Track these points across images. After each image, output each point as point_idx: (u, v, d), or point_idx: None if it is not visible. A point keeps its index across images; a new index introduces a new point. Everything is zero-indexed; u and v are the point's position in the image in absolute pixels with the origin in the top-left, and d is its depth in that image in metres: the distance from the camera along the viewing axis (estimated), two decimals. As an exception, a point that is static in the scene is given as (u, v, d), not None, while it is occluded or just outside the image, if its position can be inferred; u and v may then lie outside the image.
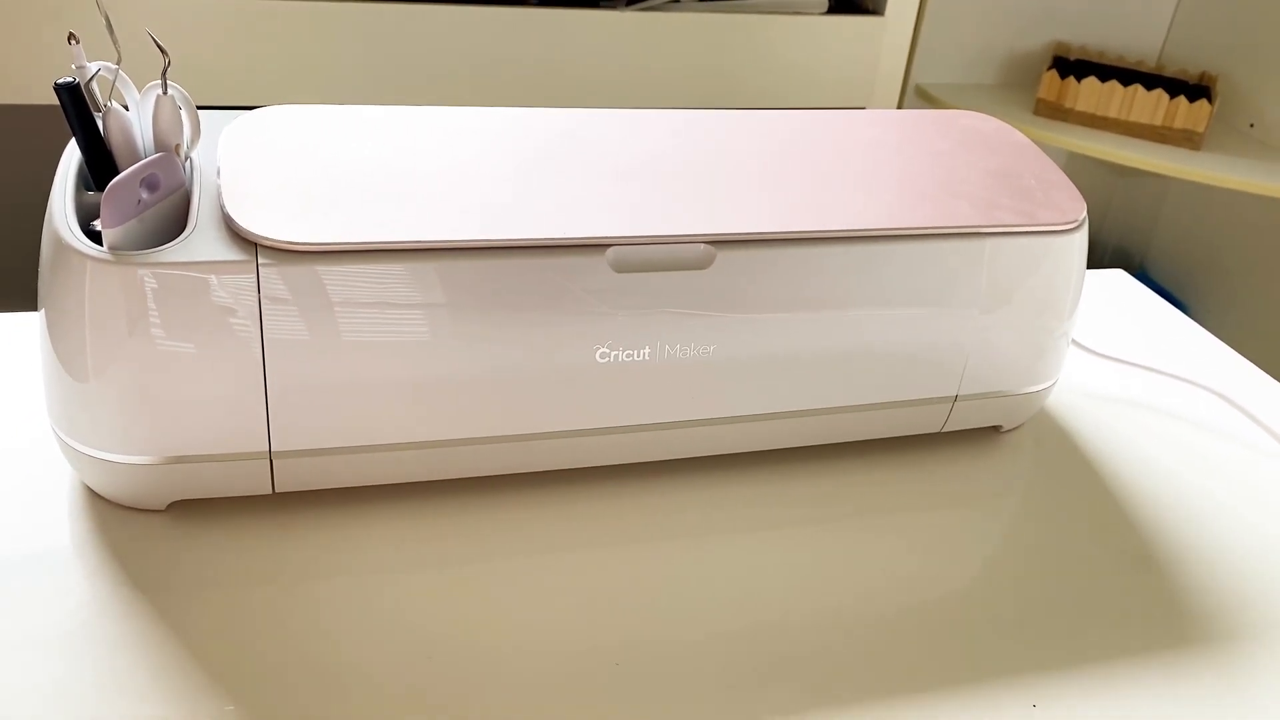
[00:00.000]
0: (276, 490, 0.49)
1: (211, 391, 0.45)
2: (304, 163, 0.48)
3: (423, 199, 0.47)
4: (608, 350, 0.49)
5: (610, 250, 0.48)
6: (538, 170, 0.51)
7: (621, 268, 0.48)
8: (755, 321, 0.51)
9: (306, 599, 0.46)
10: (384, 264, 0.45)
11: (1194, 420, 0.65)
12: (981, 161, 0.58)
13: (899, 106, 1.49)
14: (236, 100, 1.22)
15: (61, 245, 0.43)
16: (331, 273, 0.44)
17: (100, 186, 0.48)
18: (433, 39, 1.24)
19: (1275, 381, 0.70)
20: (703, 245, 0.49)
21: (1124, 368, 0.70)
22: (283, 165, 0.48)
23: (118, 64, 0.46)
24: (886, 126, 0.61)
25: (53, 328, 0.45)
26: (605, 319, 0.48)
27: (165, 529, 0.49)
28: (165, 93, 0.46)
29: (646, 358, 0.50)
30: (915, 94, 1.86)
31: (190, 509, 0.50)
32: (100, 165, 0.47)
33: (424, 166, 0.50)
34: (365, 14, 1.20)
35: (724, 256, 0.49)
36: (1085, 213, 0.56)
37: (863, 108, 1.45)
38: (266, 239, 0.44)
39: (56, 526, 0.48)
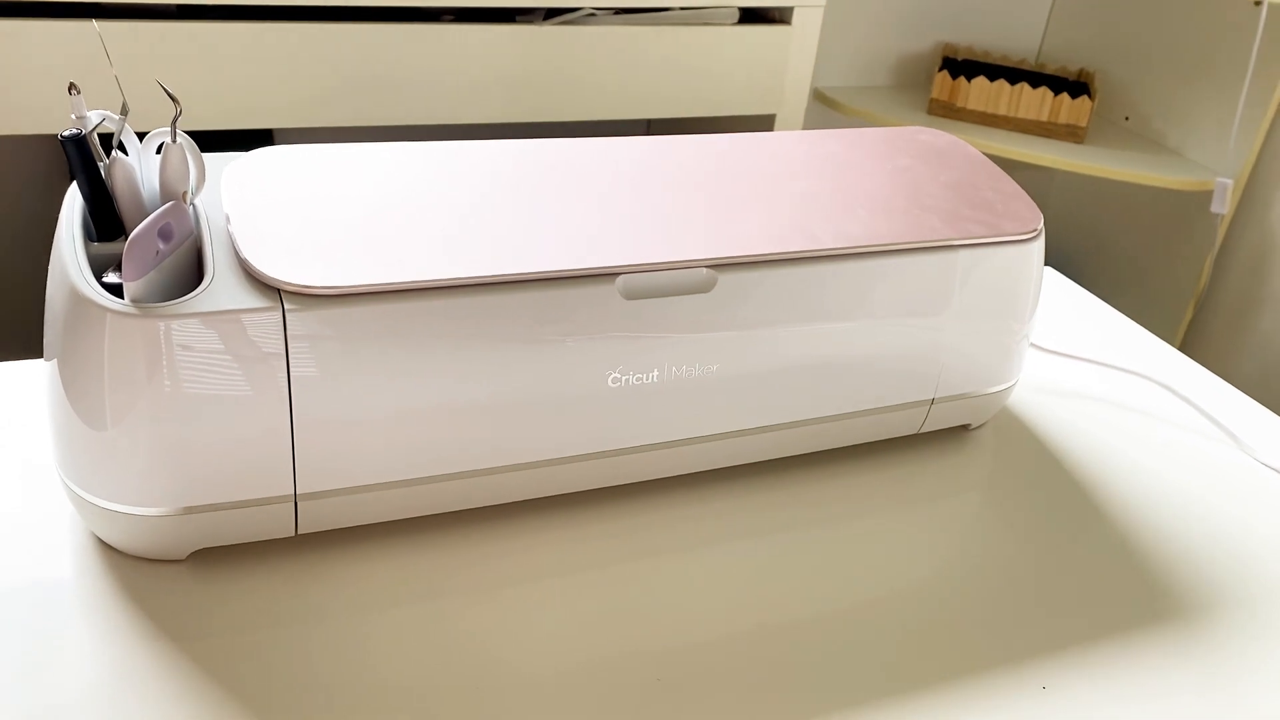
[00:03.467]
0: (299, 532, 0.49)
1: (238, 438, 0.45)
2: (311, 205, 0.49)
3: (434, 236, 0.48)
4: (619, 375, 0.51)
5: (620, 278, 0.49)
6: (539, 203, 0.52)
7: (631, 294, 0.50)
8: (755, 340, 0.53)
9: (338, 636, 0.46)
10: (407, 303, 0.45)
11: (1141, 409, 0.70)
12: (942, 175, 0.62)
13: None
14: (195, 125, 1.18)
15: (80, 299, 0.43)
16: (355, 314, 0.45)
17: (103, 236, 0.47)
18: (351, 57, 1.23)
19: (1207, 371, 0.75)
20: (705, 269, 0.51)
21: (1069, 362, 0.74)
22: (290, 208, 0.48)
23: (124, 114, 0.45)
24: (850, 144, 0.64)
25: (70, 381, 0.44)
26: (617, 344, 0.50)
27: (186, 577, 0.48)
28: (175, 141, 0.45)
29: (655, 380, 0.52)
30: (814, 98, 1.92)
31: (208, 555, 0.50)
32: (103, 215, 0.47)
33: (427, 204, 0.50)
34: (276, 33, 1.19)
35: (725, 279, 0.51)
36: (1042, 221, 0.60)
37: (773, 114, 1.50)
38: (290, 284, 0.44)
39: (71, 585, 0.47)
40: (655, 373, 0.52)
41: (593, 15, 1.34)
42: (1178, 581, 0.55)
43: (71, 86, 0.44)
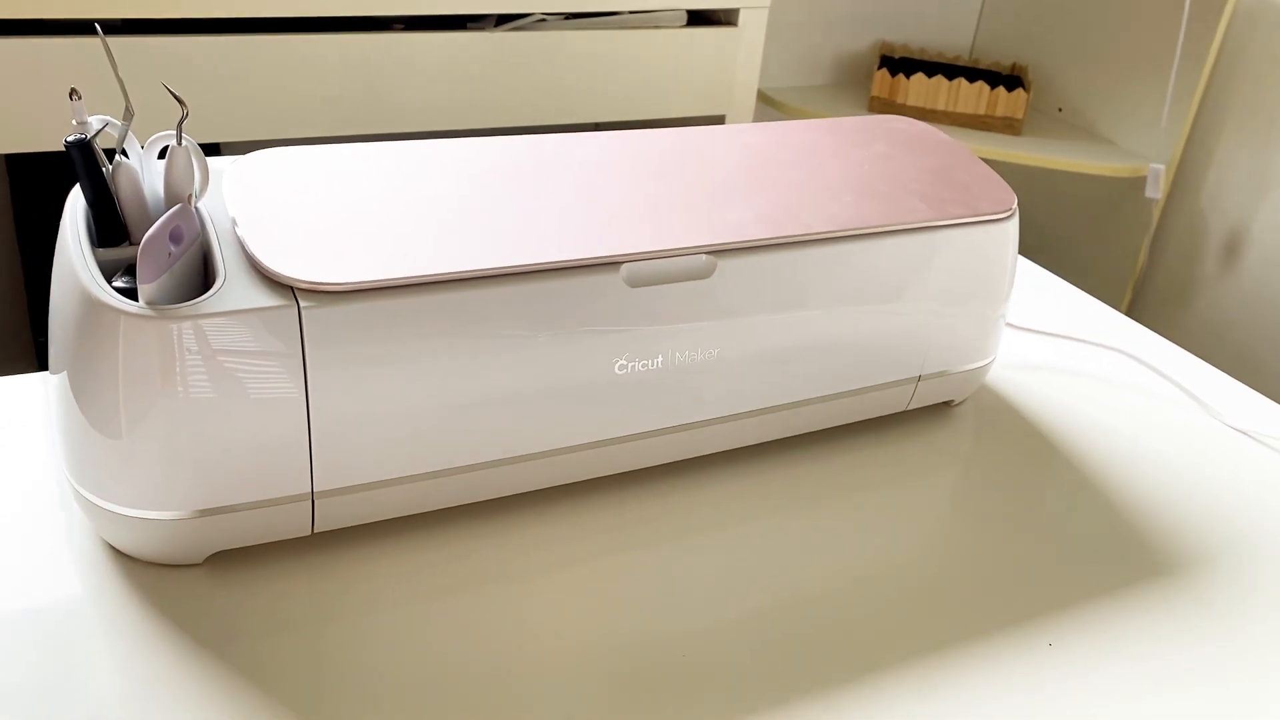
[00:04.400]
0: (316, 530, 0.49)
1: (257, 437, 0.45)
2: (315, 204, 0.49)
3: (441, 231, 0.49)
4: (626, 361, 0.52)
5: (624, 266, 0.50)
6: (539, 195, 0.53)
7: (635, 282, 0.51)
8: (753, 323, 0.54)
9: (359, 633, 0.46)
10: (420, 296, 0.46)
11: (1111, 379, 0.73)
12: (919, 161, 0.63)
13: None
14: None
15: (94, 303, 0.43)
16: (369, 309, 0.45)
17: (106, 241, 0.47)
18: (308, 68, 1.22)
19: (1169, 342, 0.78)
20: (704, 256, 0.52)
21: (1038, 337, 0.77)
22: (295, 208, 0.48)
23: (129, 118, 0.45)
24: (827, 133, 0.65)
25: (85, 386, 0.44)
26: (623, 331, 0.51)
27: (204, 582, 0.48)
28: (180, 144, 0.45)
29: (660, 365, 0.53)
30: (758, 99, 1.94)
31: (223, 558, 0.49)
32: (106, 220, 0.46)
33: (431, 200, 0.51)
34: (223, 47, 1.18)
35: (724, 264, 0.52)
36: (1015, 201, 0.62)
37: (723, 115, 1.52)
38: (305, 282, 0.44)
39: (88, 597, 0.47)
40: (660, 358, 0.53)
41: (543, 20, 1.35)
42: (1161, 540, 0.57)
43: (73, 92, 0.44)
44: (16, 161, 1.38)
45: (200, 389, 0.43)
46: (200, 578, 0.48)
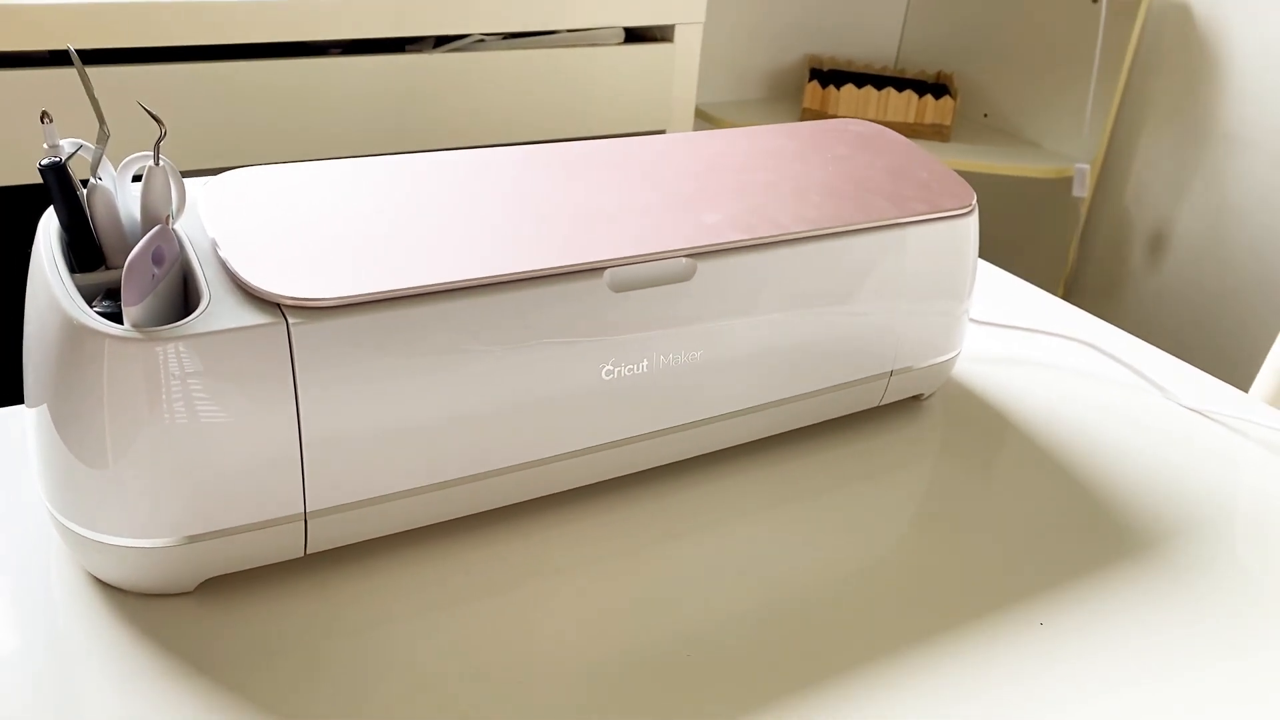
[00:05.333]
0: (308, 551, 0.48)
1: (248, 458, 0.44)
2: (293, 222, 0.48)
3: (422, 244, 0.49)
4: (612, 367, 0.52)
5: (608, 271, 0.51)
6: (514, 206, 0.53)
7: (618, 287, 0.51)
8: (735, 323, 0.55)
9: (357, 652, 0.46)
10: (408, 309, 0.46)
11: (1070, 368, 0.75)
12: (879, 161, 0.65)
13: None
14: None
15: (77, 329, 0.42)
16: (357, 323, 0.45)
17: (82, 265, 0.46)
18: (245, 96, 1.21)
19: (1120, 330, 0.81)
20: (684, 259, 0.53)
21: (995, 330, 0.79)
22: (273, 226, 0.48)
23: (104, 140, 0.44)
24: (787, 137, 0.66)
25: (68, 413, 0.43)
26: (608, 337, 0.51)
27: (194, 610, 0.47)
28: (158, 164, 0.45)
29: (645, 370, 0.53)
30: (695, 114, 1.96)
31: (213, 585, 0.48)
32: (83, 244, 0.45)
33: (407, 213, 0.51)
34: (159, 76, 1.16)
35: (704, 267, 0.53)
36: (975, 197, 0.64)
37: (662, 130, 1.53)
38: (291, 299, 0.44)
39: (78, 632, 0.46)
40: (645, 363, 0.53)
41: (482, 41, 1.35)
42: (1131, 516, 0.59)
43: (44, 115, 0.43)
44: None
45: (190, 411, 0.43)
46: (190, 606, 0.47)
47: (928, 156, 0.67)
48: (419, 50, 1.32)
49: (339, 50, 1.29)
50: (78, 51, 0.43)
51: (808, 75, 1.94)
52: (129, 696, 0.43)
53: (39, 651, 0.45)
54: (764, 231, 0.55)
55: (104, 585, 0.48)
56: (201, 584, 0.48)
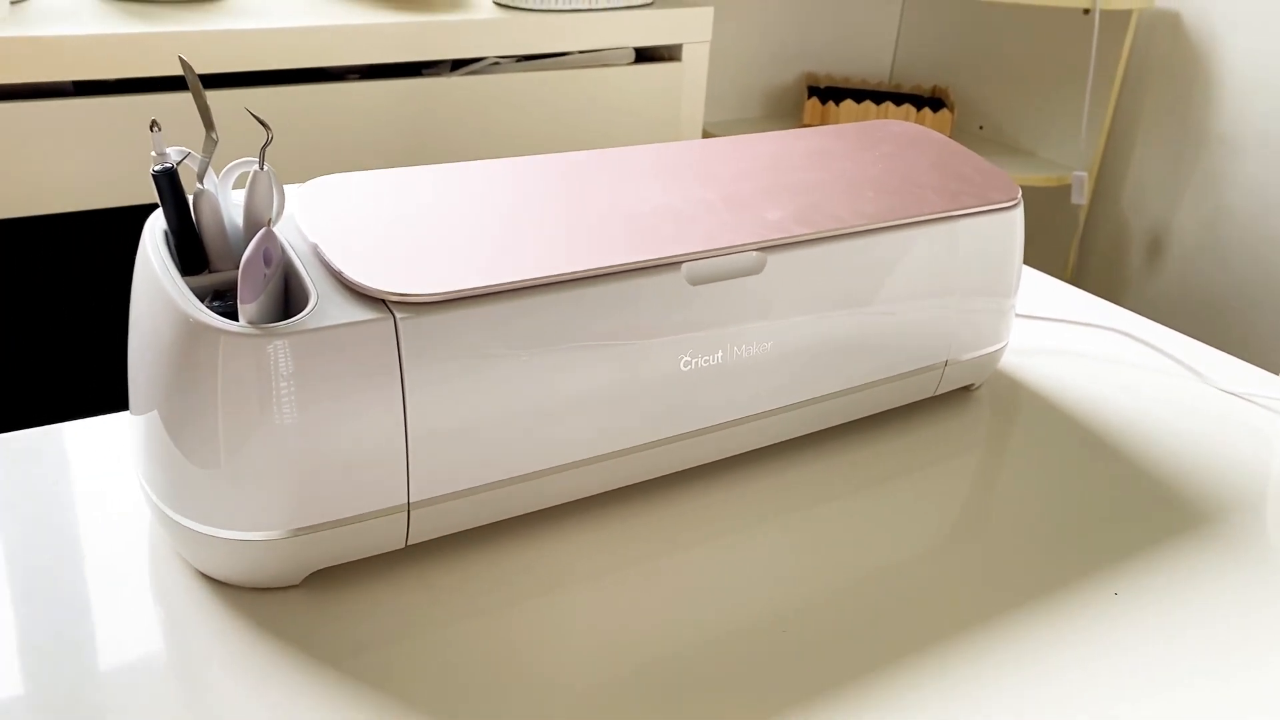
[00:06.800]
0: (410, 542, 0.50)
1: (355, 450, 0.46)
2: (387, 223, 0.50)
3: (510, 242, 0.50)
4: (690, 358, 0.54)
5: (685, 265, 0.52)
6: (590, 206, 0.55)
7: (695, 280, 0.53)
8: (802, 314, 0.57)
9: (463, 640, 0.47)
10: (506, 303, 0.47)
11: (1104, 356, 0.77)
12: (925, 158, 0.67)
13: (703, 142, 1.60)
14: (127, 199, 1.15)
15: (193, 325, 0.43)
16: (459, 318, 0.46)
17: (188, 268, 0.48)
18: (272, 119, 1.22)
19: (1149, 320, 0.83)
20: (754, 252, 0.55)
21: (1032, 322, 0.81)
22: (369, 228, 0.50)
23: (211, 149, 0.46)
24: (833, 138, 0.69)
25: (181, 408, 0.44)
26: (687, 329, 0.53)
27: (301, 603, 0.48)
28: (263, 169, 0.46)
29: (720, 360, 0.55)
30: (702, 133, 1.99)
31: (320, 579, 0.50)
32: (189, 248, 0.47)
33: (492, 213, 0.52)
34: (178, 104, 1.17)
35: (773, 260, 0.55)
36: (1020, 190, 0.66)
37: (672, 147, 1.55)
38: (397, 295, 0.45)
39: (203, 635, 0.47)
40: (719, 354, 0.55)
41: (497, 64, 1.38)
42: (1181, 496, 0.61)
43: (153, 124, 0.45)
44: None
45: (301, 406, 0.44)
46: (299, 597, 0.48)
47: (969, 153, 0.69)
48: (436, 74, 1.34)
49: (357, 75, 1.31)
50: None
51: (806, 93, 1.98)
52: (253, 688, 0.44)
53: (158, 643, 0.46)
54: (826, 226, 0.57)
55: (213, 582, 0.49)
56: (308, 577, 0.49)
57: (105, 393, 1.28)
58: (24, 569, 0.49)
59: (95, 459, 0.57)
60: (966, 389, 0.71)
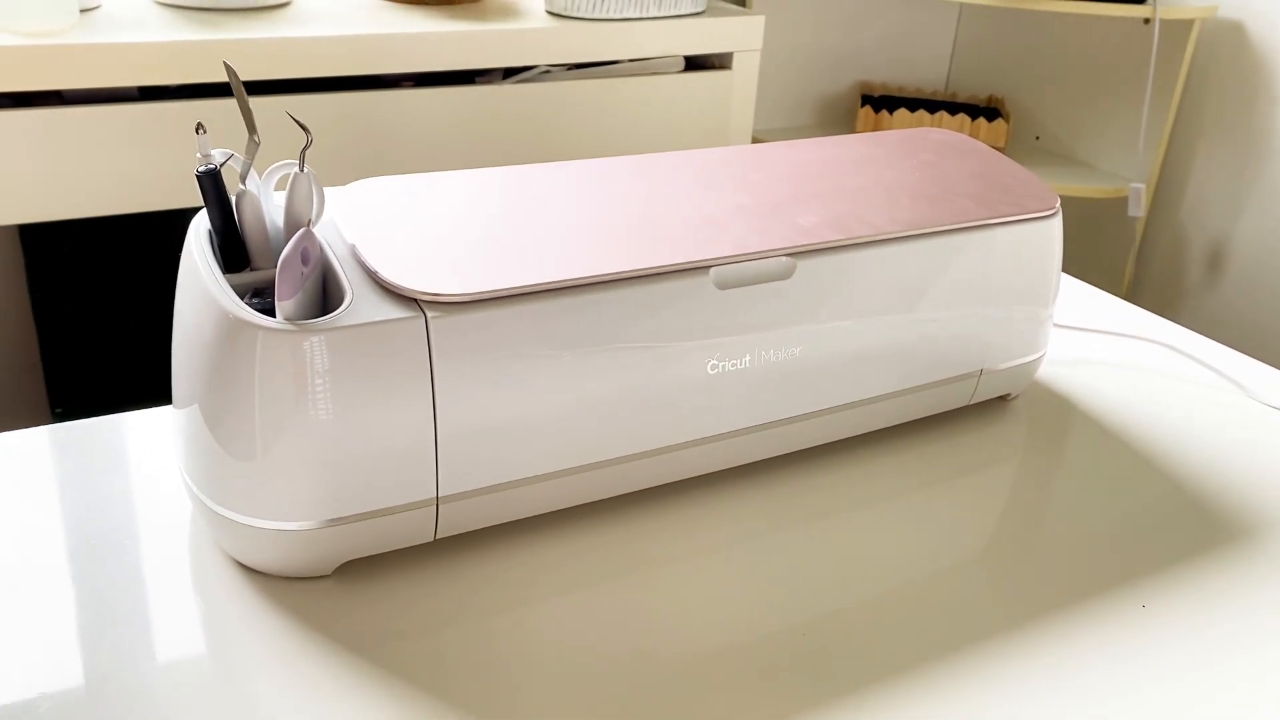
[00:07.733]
0: (438, 536, 0.51)
1: (386, 444, 0.47)
2: (422, 225, 0.51)
3: (542, 244, 0.51)
4: (717, 362, 0.54)
5: (713, 270, 0.53)
6: (622, 210, 0.56)
7: (723, 284, 0.53)
8: (831, 320, 0.57)
9: (490, 634, 0.48)
10: (536, 303, 0.48)
11: (1150, 368, 0.76)
12: (964, 167, 0.67)
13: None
14: (172, 201, 1.19)
15: (233, 321, 0.45)
16: (489, 317, 0.48)
17: (230, 266, 0.49)
18: (325, 126, 1.26)
19: (1193, 332, 0.82)
20: (784, 258, 0.55)
21: (1072, 333, 0.80)
22: (405, 229, 0.51)
23: (253, 151, 0.48)
24: (872, 145, 0.69)
25: (223, 401, 0.46)
26: (713, 332, 0.54)
27: (333, 593, 0.50)
28: (303, 170, 0.48)
29: (747, 365, 0.55)
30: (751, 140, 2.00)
31: (350, 570, 0.51)
32: (231, 247, 0.49)
33: (526, 217, 0.54)
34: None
35: (803, 265, 0.55)
36: (1058, 200, 0.65)
37: (722, 155, 1.56)
38: (429, 294, 0.47)
39: (239, 623, 0.48)
40: (747, 358, 0.55)
41: (548, 72, 1.39)
42: (1224, 510, 0.60)
43: (199, 127, 0.47)
44: (30, 232, 1.39)
45: (335, 400, 0.45)
46: (330, 587, 0.50)
47: (1010, 162, 0.69)
48: (488, 82, 1.36)
49: (411, 83, 1.34)
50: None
51: (859, 101, 1.97)
52: (283, 673, 0.45)
53: (196, 630, 0.47)
54: (859, 232, 0.57)
55: (248, 571, 0.51)
56: (338, 568, 0.51)
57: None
58: (74, 554, 0.51)
59: (147, 450, 0.60)
60: (1003, 399, 0.70)
